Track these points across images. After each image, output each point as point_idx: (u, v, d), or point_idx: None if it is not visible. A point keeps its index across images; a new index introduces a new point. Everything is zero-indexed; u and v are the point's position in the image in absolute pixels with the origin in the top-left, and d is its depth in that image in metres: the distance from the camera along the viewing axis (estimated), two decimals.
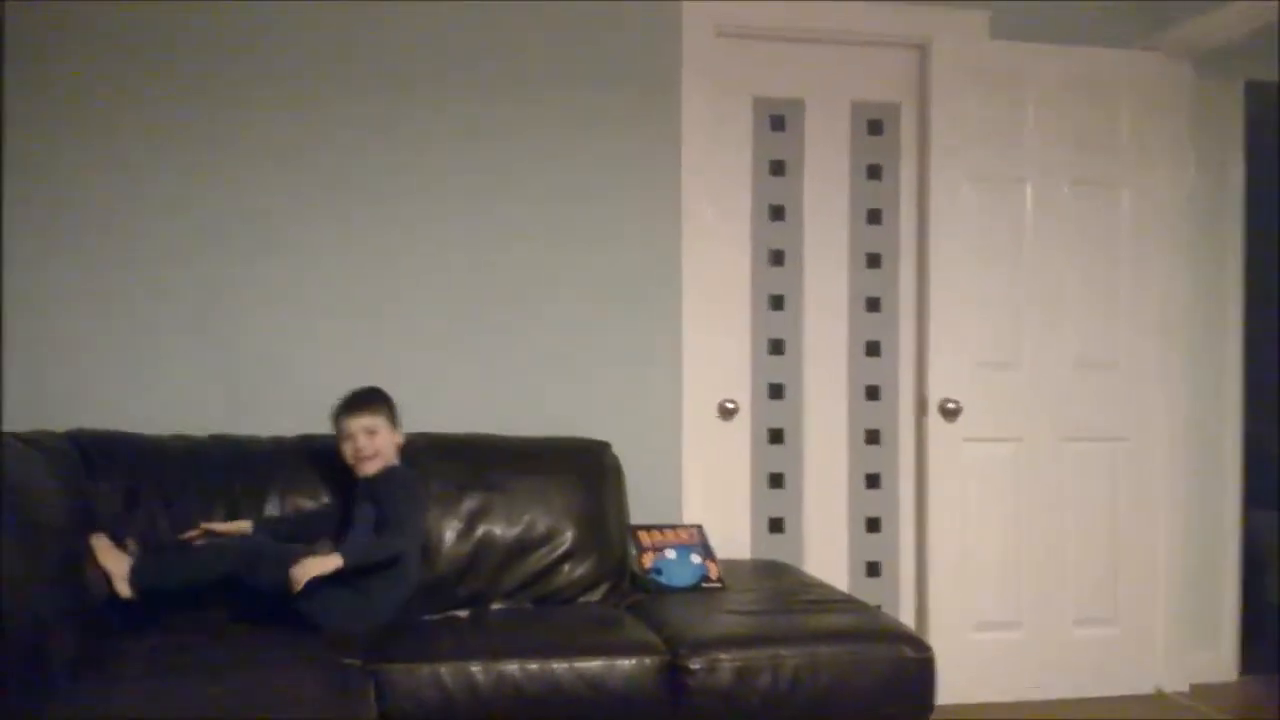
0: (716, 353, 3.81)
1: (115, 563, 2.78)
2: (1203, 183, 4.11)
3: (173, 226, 3.45)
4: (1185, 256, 4.07)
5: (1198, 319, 4.12)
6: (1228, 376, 4.18)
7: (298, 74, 3.51)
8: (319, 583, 2.71)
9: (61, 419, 3.16)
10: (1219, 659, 4.19)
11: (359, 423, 3.01)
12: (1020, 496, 3.95)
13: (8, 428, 3.01)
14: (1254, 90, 4.18)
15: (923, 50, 3.89)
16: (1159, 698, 4.00)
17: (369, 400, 3.06)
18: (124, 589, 2.77)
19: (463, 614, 3.06)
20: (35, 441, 2.83)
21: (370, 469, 2.99)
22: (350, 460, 3.00)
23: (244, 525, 3.04)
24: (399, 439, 3.09)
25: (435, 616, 3.01)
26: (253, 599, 2.79)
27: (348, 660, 2.57)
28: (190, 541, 2.98)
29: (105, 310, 3.41)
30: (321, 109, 3.53)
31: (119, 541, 2.89)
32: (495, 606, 3.14)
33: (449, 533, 3.18)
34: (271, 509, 3.13)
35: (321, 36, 3.52)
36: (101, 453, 3.08)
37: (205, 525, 3.02)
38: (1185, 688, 4.06)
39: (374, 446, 3.00)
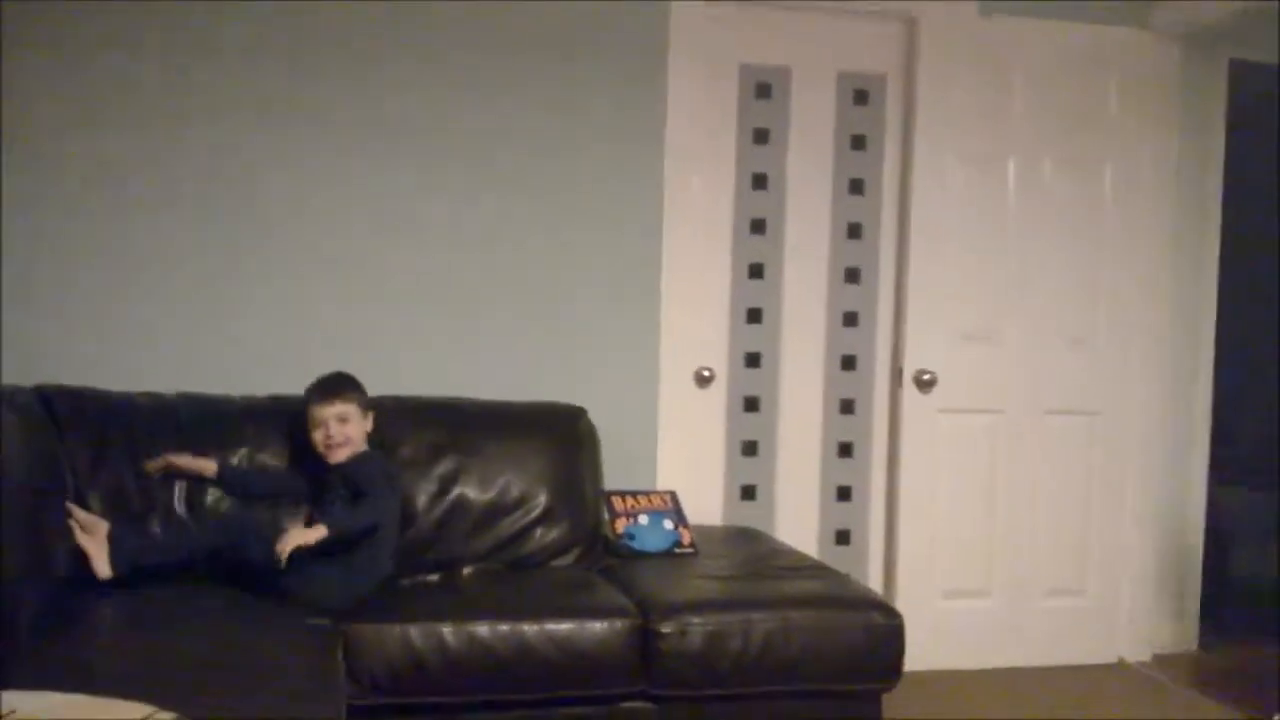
0: (694, 320, 3.80)
1: (93, 543, 2.71)
2: (1185, 161, 4.12)
3: (142, 187, 3.39)
4: (1166, 234, 4.09)
5: (1176, 296, 4.14)
6: (1201, 353, 4.21)
7: (279, 54, 3.46)
8: (303, 558, 2.68)
9: (29, 374, 3.11)
10: (1181, 630, 4.26)
11: (331, 410, 2.93)
12: (995, 468, 3.97)
13: None
14: (1238, 69, 4.18)
15: (911, 23, 3.86)
16: (1122, 667, 4.06)
17: (340, 387, 2.99)
18: (104, 570, 2.69)
19: (434, 577, 3.05)
20: (1, 396, 2.79)
21: (341, 456, 2.92)
22: (320, 448, 2.93)
23: (209, 464, 3.02)
24: (369, 425, 3.03)
25: (406, 581, 3.00)
26: (235, 575, 2.74)
27: (316, 619, 2.56)
28: (155, 475, 2.98)
29: (74, 266, 3.36)
30: (305, 69, 3.47)
31: (82, 501, 2.84)
32: (467, 570, 3.12)
33: (422, 496, 3.17)
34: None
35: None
36: (68, 408, 3.04)
37: (170, 457, 2.99)
38: (1148, 658, 4.13)
39: (345, 434, 2.93)
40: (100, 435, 3.05)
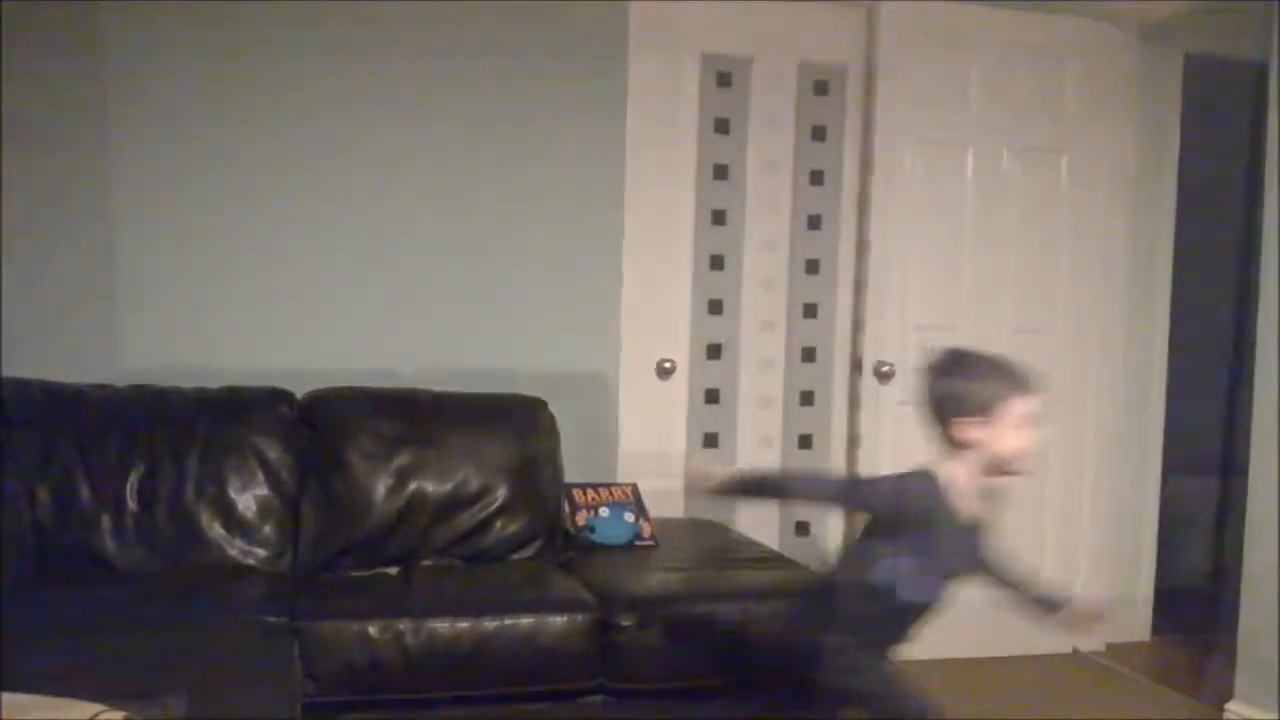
0: (656, 312, 3.81)
1: None
2: (1141, 152, 4.16)
3: (120, 182, 3.36)
4: (1122, 224, 4.13)
5: (1131, 286, 4.19)
6: (1155, 344, 4.27)
7: (263, 54, 3.44)
8: None
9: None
10: (1134, 620, 4.31)
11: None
12: None
13: None
14: (1192, 63, 4.23)
15: (871, 11, 3.87)
16: (1077, 657, 4.11)
17: None
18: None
19: (392, 570, 3.03)
20: None
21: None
22: (1023, 457, 2.18)
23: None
24: None
25: (364, 573, 2.99)
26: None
27: (272, 618, 2.53)
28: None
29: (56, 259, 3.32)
30: (285, 70, 3.46)
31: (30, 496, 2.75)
32: (426, 563, 3.10)
33: (380, 488, 3.13)
34: (194, 460, 3.05)
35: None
36: (15, 399, 2.99)
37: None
38: (1102, 647, 4.17)
39: None
40: (49, 428, 3.00)
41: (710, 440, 3.94)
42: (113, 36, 3.32)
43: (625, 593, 2.84)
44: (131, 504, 2.99)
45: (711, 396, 3.93)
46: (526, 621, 2.67)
